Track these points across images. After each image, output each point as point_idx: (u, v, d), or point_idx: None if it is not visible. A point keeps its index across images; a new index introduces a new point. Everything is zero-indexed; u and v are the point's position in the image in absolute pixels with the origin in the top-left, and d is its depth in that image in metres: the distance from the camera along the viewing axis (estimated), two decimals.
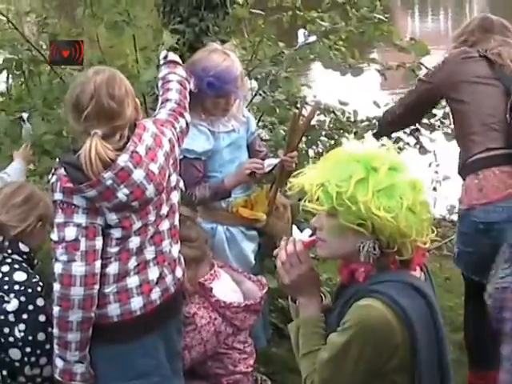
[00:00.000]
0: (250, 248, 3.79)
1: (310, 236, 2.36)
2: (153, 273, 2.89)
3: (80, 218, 2.71)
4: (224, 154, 3.65)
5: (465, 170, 3.45)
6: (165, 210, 2.92)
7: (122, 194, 2.71)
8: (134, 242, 2.82)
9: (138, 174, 2.73)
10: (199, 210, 3.77)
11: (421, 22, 24.22)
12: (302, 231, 2.39)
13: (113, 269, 2.81)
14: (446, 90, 3.58)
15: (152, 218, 2.85)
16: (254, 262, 3.81)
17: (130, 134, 2.78)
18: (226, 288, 3.49)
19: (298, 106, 4.37)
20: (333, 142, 4.73)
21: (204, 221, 3.72)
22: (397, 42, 4.50)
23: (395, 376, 2.22)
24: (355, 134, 4.59)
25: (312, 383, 2.28)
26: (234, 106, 3.67)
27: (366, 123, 4.70)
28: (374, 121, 4.70)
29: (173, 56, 3.39)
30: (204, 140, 3.57)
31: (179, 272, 3.04)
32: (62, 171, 2.71)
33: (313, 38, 4.25)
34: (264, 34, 4.74)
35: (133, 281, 2.85)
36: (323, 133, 4.68)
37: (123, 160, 2.70)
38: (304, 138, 4.38)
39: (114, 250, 2.80)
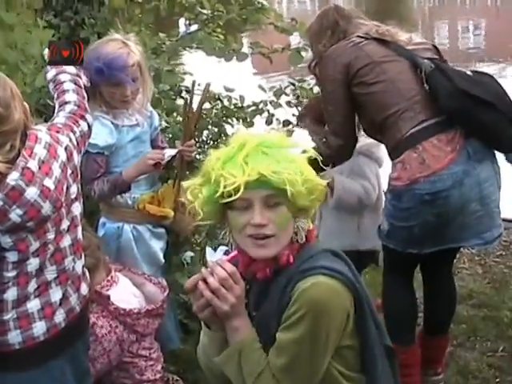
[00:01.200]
0: (158, 246, 3.69)
1: (225, 253, 2.24)
2: (55, 294, 2.69)
3: None
4: (128, 149, 3.53)
5: (399, 147, 3.41)
6: (65, 224, 2.69)
7: (15, 214, 2.48)
8: (33, 264, 2.61)
9: (32, 192, 2.49)
10: (103, 208, 3.65)
11: (288, 4, 24.55)
12: (215, 251, 2.27)
13: (11, 294, 2.60)
14: (354, 78, 3.51)
15: (51, 235, 2.63)
16: (163, 260, 3.72)
17: (22, 146, 2.53)
18: (125, 293, 3.38)
19: (187, 95, 4.26)
20: (216, 129, 4.69)
21: (109, 220, 3.61)
22: (278, 24, 4.50)
23: (348, 341, 2.20)
24: (244, 119, 4.55)
25: None
26: (138, 99, 3.54)
27: (253, 108, 4.67)
28: (261, 105, 4.68)
29: None
30: (107, 133, 3.44)
31: (84, 289, 2.85)
32: None
33: (194, 27, 4.18)
34: (142, 24, 4.64)
35: (34, 305, 2.64)
36: (210, 121, 4.62)
37: (13, 178, 2.46)
38: None
39: (10, 274, 2.61)
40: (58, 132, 2.71)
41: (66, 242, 2.72)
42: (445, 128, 3.37)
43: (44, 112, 3.77)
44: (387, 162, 3.82)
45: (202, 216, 2.23)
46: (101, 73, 3.33)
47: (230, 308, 2.14)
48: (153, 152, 3.57)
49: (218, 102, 4.65)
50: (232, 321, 2.18)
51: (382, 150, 3.93)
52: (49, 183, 2.55)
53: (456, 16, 20.05)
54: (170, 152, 3.57)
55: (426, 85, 3.42)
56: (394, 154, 3.46)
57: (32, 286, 2.63)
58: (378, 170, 4.09)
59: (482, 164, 3.37)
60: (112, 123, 3.46)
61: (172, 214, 3.60)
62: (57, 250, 2.68)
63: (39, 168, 2.53)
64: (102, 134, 3.41)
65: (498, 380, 4.01)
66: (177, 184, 3.60)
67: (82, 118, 2.90)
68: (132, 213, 3.56)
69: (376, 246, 3.90)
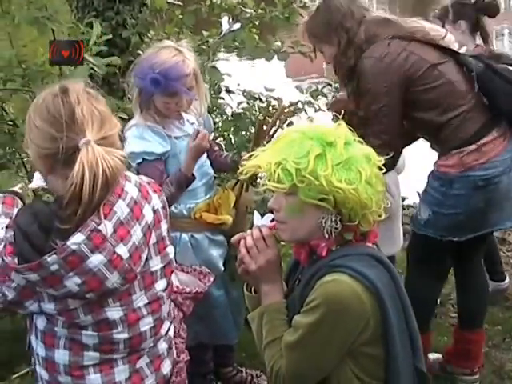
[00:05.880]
0: (217, 253, 3.61)
1: (272, 221, 2.32)
2: (121, 374, 2.33)
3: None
4: (181, 160, 3.42)
5: (463, 144, 3.47)
6: (142, 302, 2.30)
7: (72, 282, 2.10)
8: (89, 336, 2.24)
9: (96, 260, 2.09)
10: None
11: None
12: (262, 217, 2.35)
13: (62, 359, 2.28)
14: (413, 84, 3.47)
15: (113, 312, 2.24)
16: (222, 267, 3.63)
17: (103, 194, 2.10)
18: None
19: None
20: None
21: None
22: None
23: (368, 348, 2.23)
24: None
25: (280, 369, 2.24)
26: (195, 108, 3.48)
27: (292, 108, 4.69)
28: (299, 104, 4.70)
29: None
30: (161, 141, 3.38)
31: (166, 367, 2.50)
32: (11, 234, 2.11)
33: (237, 25, 4.21)
34: (183, 25, 4.69)
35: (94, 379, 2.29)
36: (249, 121, 4.65)
37: (76, 242, 2.06)
38: (232, 128, 4.37)
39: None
40: (148, 184, 2.35)
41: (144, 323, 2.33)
42: (499, 120, 3.50)
43: None
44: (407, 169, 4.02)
45: None
46: (157, 83, 3.24)
47: (258, 269, 2.30)
48: (199, 136, 3.39)
49: (259, 101, 4.66)
50: (262, 284, 2.34)
51: (401, 159, 3.97)
52: (122, 250, 2.15)
53: (491, 23, 19.88)
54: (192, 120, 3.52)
55: (476, 85, 3.46)
56: (451, 149, 3.50)
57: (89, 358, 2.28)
58: (397, 177, 4.08)
59: None
60: (165, 133, 3.40)
61: (230, 219, 3.52)
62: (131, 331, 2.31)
63: (114, 231, 2.13)
64: (157, 141, 3.36)
65: None
66: (238, 187, 3.59)
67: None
68: (189, 222, 3.48)
69: (390, 252, 3.87)
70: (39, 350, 2.30)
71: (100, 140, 2.08)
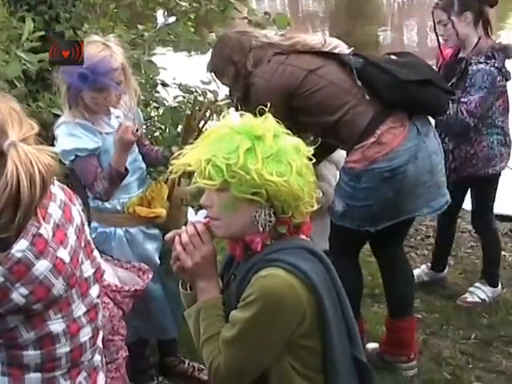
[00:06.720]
0: (153, 247, 3.60)
1: (206, 217, 2.30)
2: None
3: None
4: (112, 154, 3.37)
5: (359, 138, 3.54)
6: (81, 311, 2.16)
7: (19, 294, 1.94)
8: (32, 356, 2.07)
9: (42, 267, 1.96)
10: (94, 214, 3.47)
11: (258, 2, 24.62)
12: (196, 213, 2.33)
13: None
14: (295, 94, 3.58)
15: (55, 325, 2.08)
16: (158, 261, 3.61)
17: None
18: (108, 274, 3.39)
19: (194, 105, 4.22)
20: None
21: (100, 225, 3.49)
22: (251, 19, 4.55)
23: (305, 341, 2.23)
24: (217, 113, 4.59)
25: (218, 365, 2.23)
26: (125, 103, 3.46)
27: (227, 101, 4.71)
28: None
29: None
30: (93, 136, 3.35)
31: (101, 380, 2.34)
32: None
33: (172, 19, 4.20)
34: (117, 19, 4.65)
35: None
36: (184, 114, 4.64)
37: (20, 249, 1.92)
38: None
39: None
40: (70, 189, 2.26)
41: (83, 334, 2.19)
42: (393, 110, 3.56)
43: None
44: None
45: None
46: (85, 78, 3.21)
47: (194, 265, 2.27)
48: (121, 129, 3.34)
49: (194, 95, 4.66)
50: (198, 281, 2.31)
51: (340, 153, 4.01)
52: (63, 254, 2.03)
53: (425, 14, 20.16)
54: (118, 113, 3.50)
55: (358, 81, 3.56)
56: (353, 145, 3.57)
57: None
58: (336, 172, 4.12)
59: (428, 137, 3.61)
60: (95, 130, 3.38)
61: (164, 212, 3.52)
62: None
63: (53, 234, 2.02)
64: (88, 136, 3.33)
65: (470, 366, 4.11)
66: (170, 182, 3.55)
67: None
68: (123, 217, 3.48)
69: (326, 247, 3.82)
70: None
71: (21, 141, 1.95)
